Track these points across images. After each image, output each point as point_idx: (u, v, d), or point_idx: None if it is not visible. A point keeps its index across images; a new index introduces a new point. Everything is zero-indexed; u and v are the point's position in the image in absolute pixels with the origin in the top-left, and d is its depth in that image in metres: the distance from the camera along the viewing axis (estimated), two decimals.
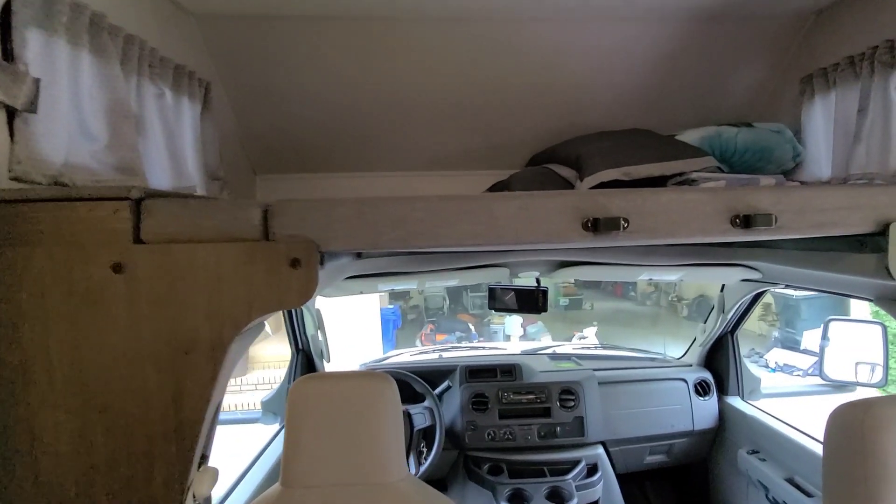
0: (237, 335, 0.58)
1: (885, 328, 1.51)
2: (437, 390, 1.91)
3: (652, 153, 1.14)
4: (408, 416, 1.72)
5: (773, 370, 6.33)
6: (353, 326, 6.08)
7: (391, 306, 7.47)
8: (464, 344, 2.66)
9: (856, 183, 1.11)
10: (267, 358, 6.40)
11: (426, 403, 1.81)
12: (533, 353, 2.35)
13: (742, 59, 1.37)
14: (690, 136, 1.27)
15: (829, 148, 1.23)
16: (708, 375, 2.03)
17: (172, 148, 1.01)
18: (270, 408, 1.93)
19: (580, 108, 1.43)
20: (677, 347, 2.27)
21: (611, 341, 7.96)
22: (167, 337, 0.57)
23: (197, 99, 1.13)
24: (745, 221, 0.63)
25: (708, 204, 0.64)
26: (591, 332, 7.26)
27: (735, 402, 1.98)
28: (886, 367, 1.51)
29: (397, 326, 8.02)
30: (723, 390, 2.02)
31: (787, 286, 1.32)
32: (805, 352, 6.44)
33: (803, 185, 1.21)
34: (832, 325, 1.64)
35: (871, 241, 0.74)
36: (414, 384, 1.84)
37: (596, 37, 1.25)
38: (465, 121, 1.46)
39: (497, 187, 1.42)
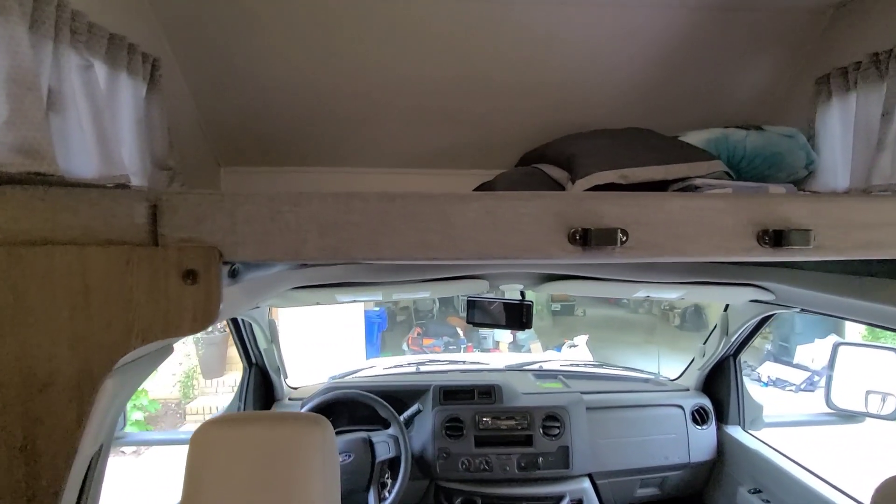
0: (114, 368, 0.44)
1: None
2: (406, 414, 1.73)
3: (653, 154, 1.02)
4: (370, 445, 1.56)
5: (766, 384, 6.23)
6: (334, 328, 5.89)
7: (377, 308, 7.28)
8: (443, 357, 2.48)
9: (880, 194, 0.99)
10: None
11: (391, 431, 1.63)
12: (518, 368, 2.19)
13: (752, 56, 1.25)
14: (695, 138, 1.15)
15: (847, 155, 1.11)
16: (707, 402, 1.88)
17: (100, 129, 0.87)
18: None
19: (575, 103, 1.30)
20: (671, 360, 2.14)
21: (603, 350, 7.86)
22: (13, 369, 0.43)
23: (140, 76, 0.99)
24: (776, 238, 0.50)
25: (727, 214, 0.51)
26: (581, 341, 7.14)
27: (735, 432, 1.82)
28: None
29: (383, 329, 7.83)
30: (722, 418, 1.86)
31: (802, 310, 1.20)
32: (798, 366, 6.35)
33: (844, 194, 1.06)
34: (841, 349, 1.52)
35: None
36: (378, 408, 1.66)
37: (595, 24, 1.13)
38: (450, 114, 1.33)
39: (482, 188, 1.30)
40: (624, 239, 0.49)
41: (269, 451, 0.63)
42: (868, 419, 1.52)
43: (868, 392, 1.43)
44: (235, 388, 1.89)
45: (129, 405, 5.21)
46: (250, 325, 1.66)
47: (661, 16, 1.14)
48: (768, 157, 1.15)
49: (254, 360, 1.82)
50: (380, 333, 7.61)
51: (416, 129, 1.36)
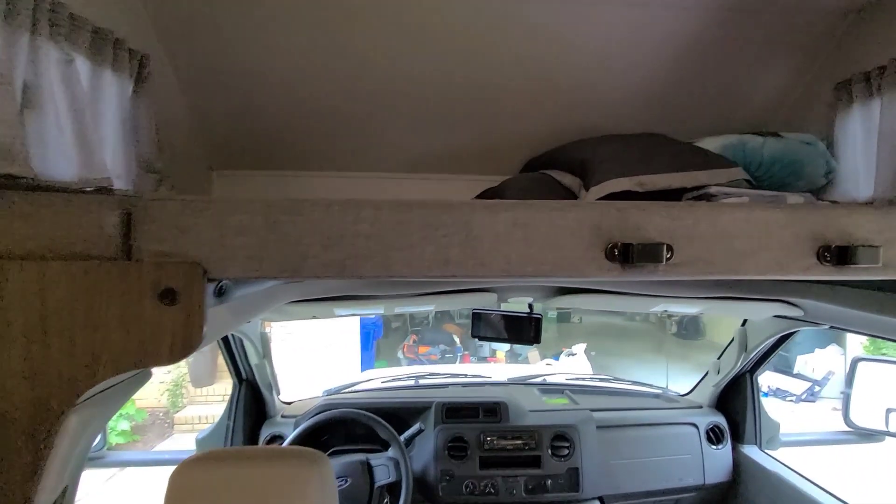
0: (77, 402, 0.37)
1: None
2: (407, 434, 1.63)
3: (669, 161, 0.97)
4: (368, 469, 1.47)
5: (766, 394, 6.18)
6: (328, 335, 5.78)
7: (372, 315, 7.18)
8: (443, 370, 2.39)
9: None
10: None
11: (391, 453, 1.54)
12: (522, 382, 2.10)
13: (767, 60, 1.21)
14: (710, 144, 1.10)
15: (868, 163, 1.07)
16: (722, 420, 1.80)
17: (81, 129, 0.80)
18: (206, 447, 1.64)
19: (585, 105, 1.25)
20: (675, 372, 2.07)
21: (602, 359, 7.79)
22: None
23: (126, 73, 0.93)
24: (840, 256, 0.44)
25: (787, 228, 0.45)
26: (580, 350, 7.07)
27: (752, 452, 1.74)
28: None
29: (378, 336, 7.73)
30: (737, 437, 1.78)
31: (832, 327, 1.15)
32: (798, 376, 6.31)
33: None
34: (860, 365, 1.46)
35: None
36: (377, 428, 1.56)
37: (606, 23, 1.08)
38: (455, 116, 1.28)
39: (487, 195, 1.24)
40: (669, 255, 0.43)
41: (260, 493, 0.56)
42: (889, 438, 1.47)
43: (889, 410, 1.38)
44: (226, 400, 1.80)
45: (114, 414, 5.09)
46: (240, 339, 1.58)
47: (674, 16, 1.09)
48: (787, 164, 1.10)
49: (244, 375, 1.73)
50: (375, 341, 7.51)
51: (420, 132, 1.30)
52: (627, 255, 0.43)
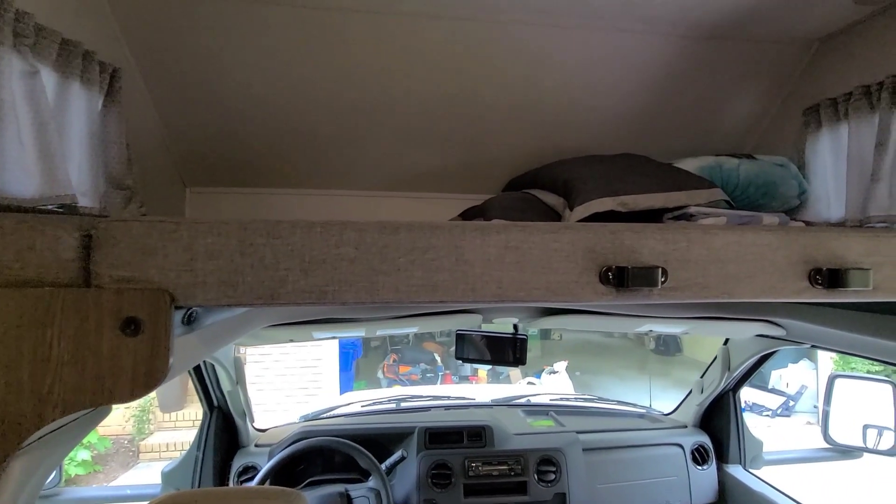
0: (23, 445, 0.33)
1: (895, 387, 1.37)
2: (389, 462, 1.56)
3: (651, 181, 0.98)
4: (348, 500, 1.41)
5: (744, 409, 6.28)
6: (305, 357, 5.61)
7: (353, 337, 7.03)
8: (425, 391, 2.34)
9: (876, 226, 0.97)
10: None
11: (371, 483, 1.47)
12: (506, 403, 2.07)
13: (741, 85, 1.26)
14: (688, 165, 1.13)
15: (838, 185, 1.11)
16: (706, 440, 1.80)
17: (44, 143, 0.76)
18: (173, 482, 1.54)
19: (567, 126, 1.27)
20: (655, 388, 2.06)
21: (582, 375, 7.80)
22: None
23: (96, 86, 0.89)
24: (832, 279, 0.44)
25: (779, 251, 0.45)
26: (561, 367, 7.06)
27: (737, 472, 1.74)
28: None
29: (357, 356, 7.57)
30: (722, 457, 1.78)
31: (813, 346, 1.16)
32: (773, 391, 6.45)
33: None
34: (837, 382, 1.49)
35: None
36: (357, 457, 1.48)
37: (586, 47, 1.10)
38: (438, 134, 1.27)
39: (469, 214, 1.23)
40: (664, 279, 0.42)
41: None
42: (867, 455, 1.50)
43: (866, 426, 1.40)
44: (196, 426, 1.68)
45: None
46: (212, 365, 1.50)
47: (651, 42, 1.12)
48: (761, 185, 1.13)
49: (216, 402, 1.64)
50: (354, 361, 7.34)
51: (402, 151, 1.29)
52: (622, 278, 0.42)
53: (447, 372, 7.71)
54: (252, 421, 1.76)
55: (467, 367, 7.72)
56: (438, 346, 8.96)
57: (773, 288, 0.44)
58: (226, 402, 1.62)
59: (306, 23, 1.01)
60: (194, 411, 5.57)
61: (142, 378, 0.35)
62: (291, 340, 1.25)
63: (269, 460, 1.48)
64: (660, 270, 0.42)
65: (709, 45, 1.14)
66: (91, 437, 5.03)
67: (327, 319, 1.09)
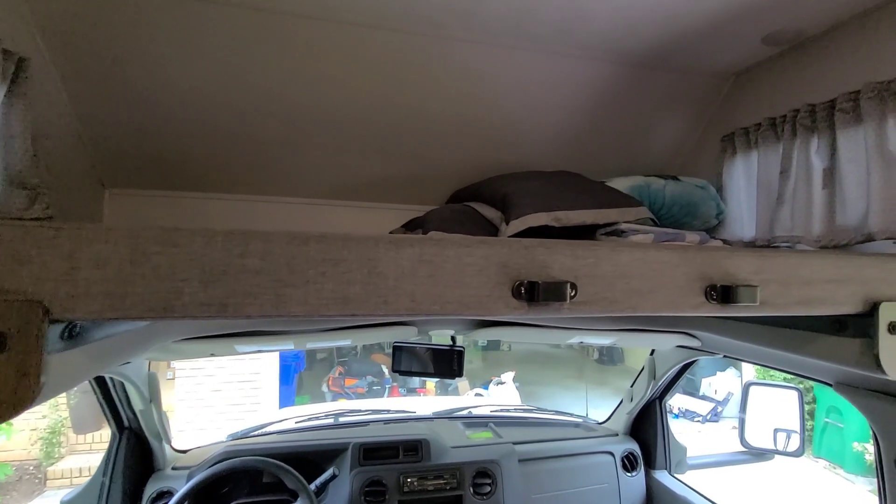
0: None
1: (801, 393, 1.51)
2: (318, 481, 1.50)
3: (585, 198, 1.02)
4: None
5: (677, 416, 6.66)
6: (242, 371, 5.31)
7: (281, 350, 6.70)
8: (364, 405, 2.28)
9: (781, 245, 1.07)
10: None
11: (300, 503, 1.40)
12: (447, 416, 2.05)
13: (667, 111, 1.35)
14: (619, 185, 1.19)
15: (751, 207, 1.21)
16: (635, 447, 1.88)
17: None
18: None
19: (508, 143, 1.30)
20: (595, 397, 2.13)
21: (528, 386, 7.93)
22: None
23: None
24: (724, 295, 0.47)
25: (679, 268, 0.48)
26: (508, 378, 7.16)
27: (663, 477, 1.83)
28: (803, 436, 1.49)
29: (300, 369, 7.27)
30: (650, 463, 1.87)
31: (725, 356, 1.25)
32: (703, 398, 6.88)
33: (787, 249, 1.12)
34: (752, 389, 1.61)
35: (854, 323, 0.61)
36: (284, 477, 1.41)
37: (525, 68, 1.14)
38: (381, 144, 1.26)
39: (412, 225, 1.23)
40: (573, 294, 0.43)
41: None
42: (777, 456, 1.62)
43: (776, 430, 1.52)
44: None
45: None
46: (121, 382, 1.37)
47: (587, 67, 1.18)
48: (684, 205, 1.21)
49: (126, 423, 1.49)
50: (297, 374, 7.04)
51: (342, 158, 1.27)
52: (533, 293, 0.42)
53: (395, 384, 7.58)
54: (169, 442, 1.62)
55: (416, 380, 7.64)
56: (387, 358, 8.79)
57: (674, 302, 0.47)
58: (138, 422, 1.49)
59: (245, 23, 0.97)
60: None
61: (7, 400, 0.31)
62: (213, 355, 1.17)
63: (186, 483, 1.37)
64: (569, 285, 0.43)
65: (639, 73, 1.21)
66: None
67: (250, 332, 1.03)
